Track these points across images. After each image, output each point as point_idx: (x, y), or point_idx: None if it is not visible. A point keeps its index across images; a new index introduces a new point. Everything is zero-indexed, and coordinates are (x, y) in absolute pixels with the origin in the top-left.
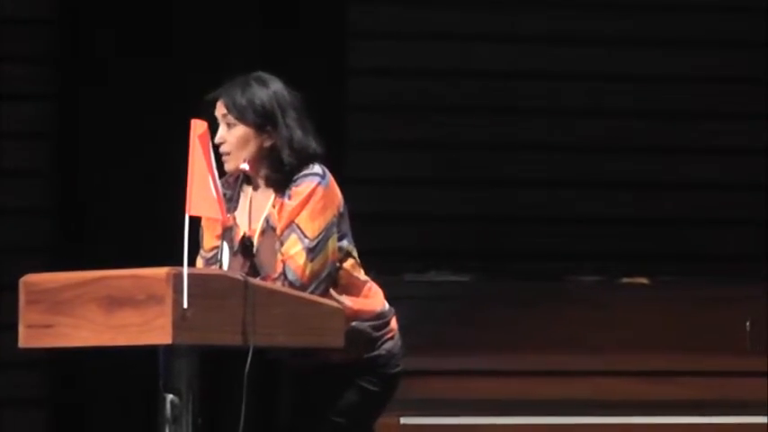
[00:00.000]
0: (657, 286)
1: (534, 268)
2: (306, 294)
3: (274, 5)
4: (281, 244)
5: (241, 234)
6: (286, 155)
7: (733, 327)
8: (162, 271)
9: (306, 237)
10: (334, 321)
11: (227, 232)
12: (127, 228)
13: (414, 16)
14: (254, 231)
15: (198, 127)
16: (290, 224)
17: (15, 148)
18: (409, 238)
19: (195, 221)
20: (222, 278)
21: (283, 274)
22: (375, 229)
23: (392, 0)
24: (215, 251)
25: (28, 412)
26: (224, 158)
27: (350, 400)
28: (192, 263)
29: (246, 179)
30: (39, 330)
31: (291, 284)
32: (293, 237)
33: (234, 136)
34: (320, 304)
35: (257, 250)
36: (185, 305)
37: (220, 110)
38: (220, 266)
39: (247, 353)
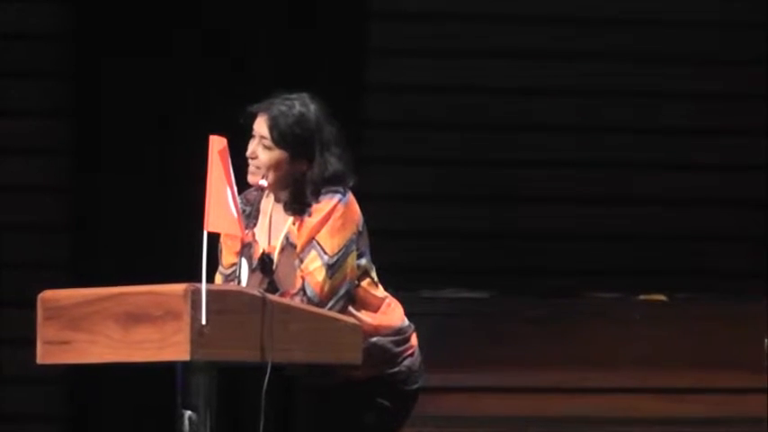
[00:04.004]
0: (675, 303)
1: (551, 285)
2: (324, 311)
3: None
4: (301, 261)
5: (260, 251)
6: (310, 190)
7: (750, 344)
8: (180, 287)
9: (325, 253)
10: (352, 338)
11: (245, 249)
12: (144, 244)
13: (431, 33)
14: (274, 248)
15: (217, 143)
16: (311, 241)
17: (32, 163)
18: (426, 254)
19: (213, 238)
20: (240, 294)
21: (302, 290)
22: (392, 244)
23: (410, 17)
24: (234, 268)
25: (46, 428)
26: (250, 171)
27: (368, 418)
28: (210, 279)
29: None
30: (56, 346)
31: (310, 300)
32: (313, 253)
33: (268, 156)
34: (338, 320)
35: (276, 267)
36: (204, 321)
37: (260, 128)
38: (239, 283)
39: (265, 369)
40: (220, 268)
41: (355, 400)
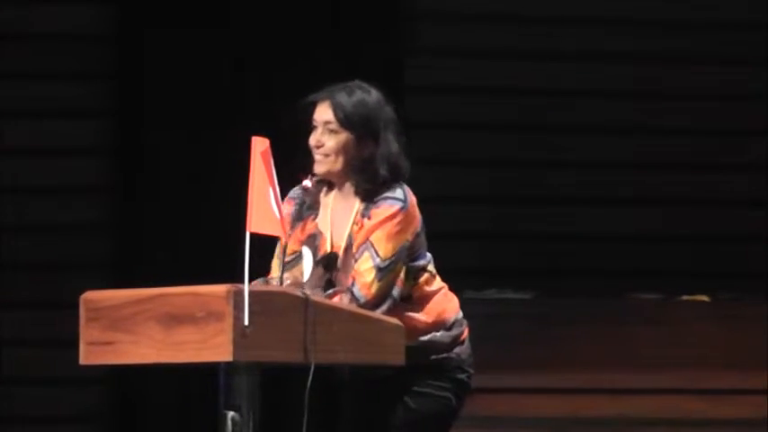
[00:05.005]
0: (718, 304)
1: (594, 286)
2: (366, 311)
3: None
4: (355, 261)
5: (327, 246)
6: (383, 168)
7: None
8: (222, 288)
9: (378, 256)
10: (395, 338)
11: (310, 239)
12: (187, 244)
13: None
14: (339, 248)
15: (259, 144)
16: (366, 242)
17: (75, 164)
18: (469, 255)
19: (256, 239)
20: (282, 295)
21: (350, 289)
22: (435, 245)
23: (451, 19)
24: (294, 255)
25: (89, 428)
26: (317, 160)
27: (418, 405)
28: (253, 279)
29: (328, 186)
30: (99, 347)
31: (356, 300)
32: (366, 254)
33: (335, 141)
34: (380, 321)
35: (340, 267)
36: (246, 322)
37: (324, 114)
38: (301, 272)
39: (308, 370)
40: (280, 254)
41: (404, 388)
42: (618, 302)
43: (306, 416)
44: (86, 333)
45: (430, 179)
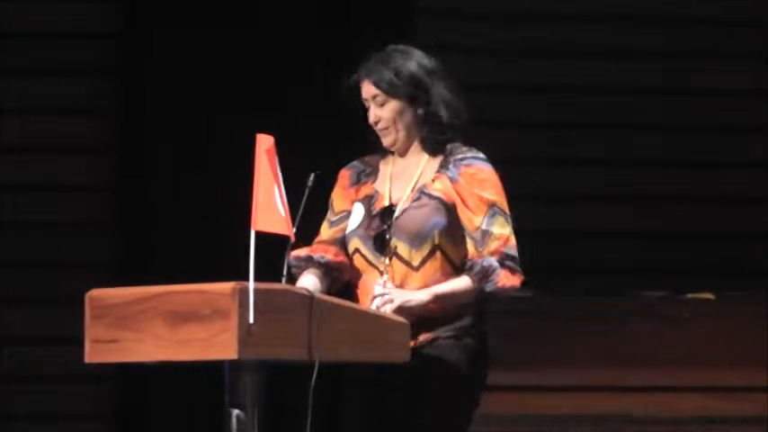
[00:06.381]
0: (723, 302)
1: (598, 283)
2: (369, 309)
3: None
4: (477, 226)
5: (385, 204)
6: (445, 115)
7: None
8: (227, 286)
9: (509, 216)
10: (400, 336)
11: (366, 199)
12: (192, 242)
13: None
14: (399, 200)
15: (264, 141)
16: (491, 206)
17: (80, 162)
18: None
19: (261, 236)
20: (288, 293)
21: (507, 256)
22: None
23: (461, 14)
24: (343, 213)
25: (94, 426)
26: (381, 134)
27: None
28: (258, 278)
29: (390, 155)
30: (104, 345)
31: (519, 264)
32: (501, 219)
33: (388, 112)
34: (385, 319)
35: (401, 215)
36: (251, 320)
37: (369, 91)
38: (346, 228)
39: (312, 368)
40: (330, 215)
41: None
42: (622, 300)
43: (309, 414)
44: (92, 331)
45: None
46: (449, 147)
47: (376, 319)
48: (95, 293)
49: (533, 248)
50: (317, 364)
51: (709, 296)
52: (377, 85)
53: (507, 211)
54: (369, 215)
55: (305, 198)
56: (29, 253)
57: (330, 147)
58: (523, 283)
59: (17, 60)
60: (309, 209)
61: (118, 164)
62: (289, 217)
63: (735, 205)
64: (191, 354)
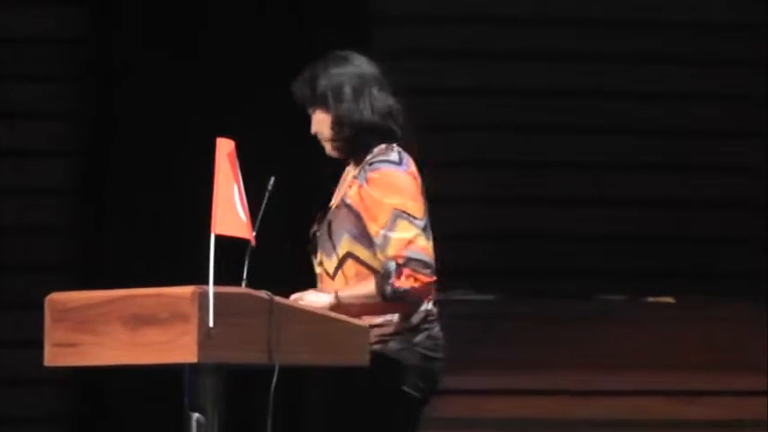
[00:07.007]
0: (683, 306)
1: (559, 287)
2: (329, 313)
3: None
4: (378, 231)
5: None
6: (370, 118)
7: (760, 346)
8: (187, 290)
9: (415, 218)
10: (359, 339)
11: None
12: (153, 245)
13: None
14: (331, 207)
15: (225, 146)
16: (393, 211)
17: (41, 165)
18: (438, 256)
19: (220, 240)
20: (247, 297)
21: (408, 259)
22: None
23: (418, 19)
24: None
25: (51, 430)
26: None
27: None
28: (217, 282)
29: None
30: (64, 349)
31: (426, 266)
32: (403, 223)
33: (314, 121)
34: (344, 322)
35: (326, 224)
36: (211, 324)
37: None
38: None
39: (272, 371)
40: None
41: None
42: (583, 304)
43: (270, 417)
44: (52, 334)
45: None
46: (374, 151)
47: (336, 322)
48: (55, 297)
49: (494, 252)
50: (276, 368)
51: (670, 300)
52: (297, 96)
53: (414, 213)
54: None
55: (265, 202)
56: None
57: (291, 151)
58: (435, 283)
59: None
60: (269, 213)
61: (80, 166)
62: (249, 221)
63: (696, 208)
64: (150, 357)
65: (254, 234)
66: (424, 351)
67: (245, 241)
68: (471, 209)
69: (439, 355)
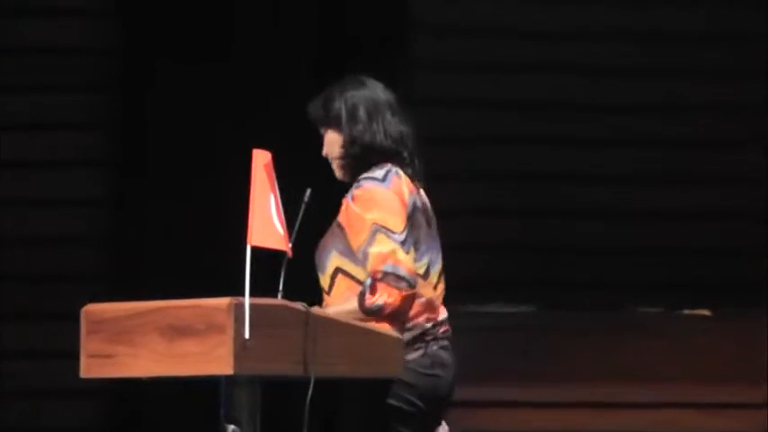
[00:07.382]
0: (719, 317)
1: (595, 299)
2: (365, 325)
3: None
4: (359, 247)
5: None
6: (381, 142)
7: None
8: (223, 301)
9: (393, 233)
10: (393, 350)
11: None
12: (190, 257)
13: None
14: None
15: (261, 157)
16: (372, 225)
17: (77, 176)
18: (471, 268)
19: (257, 252)
20: (283, 308)
21: (383, 273)
22: None
23: (455, 31)
24: None
25: None
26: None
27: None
28: (254, 294)
29: None
30: (100, 360)
31: (401, 279)
32: (381, 237)
33: (327, 146)
34: (380, 334)
35: (322, 243)
36: (247, 335)
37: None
38: None
39: (308, 383)
40: None
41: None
42: (618, 315)
43: (306, 429)
44: (87, 346)
45: (431, 193)
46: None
47: (371, 334)
48: (91, 308)
49: (532, 264)
50: (312, 380)
51: (705, 312)
52: (312, 117)
53: (393, 227)
54: None
55: (301, 213)
56: (23, 266)
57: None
58: (412, 297)
59: (13, 77)
60: (306, 224)
61: (117, 177)
62: (286, 232)
63: (731, 220)
64: (186, 369)
65: (290, 245)
66: (417, 368)
67: (281, 253)
68: (510, 220)
69: (437, 371)
